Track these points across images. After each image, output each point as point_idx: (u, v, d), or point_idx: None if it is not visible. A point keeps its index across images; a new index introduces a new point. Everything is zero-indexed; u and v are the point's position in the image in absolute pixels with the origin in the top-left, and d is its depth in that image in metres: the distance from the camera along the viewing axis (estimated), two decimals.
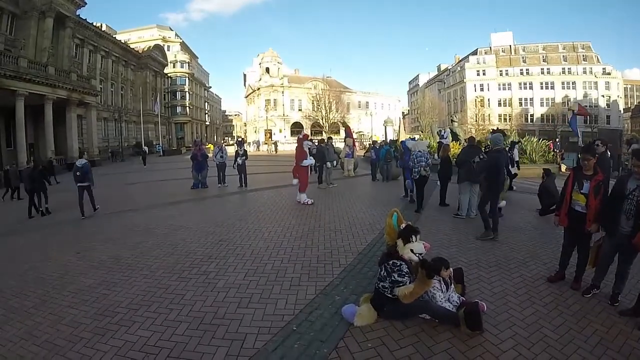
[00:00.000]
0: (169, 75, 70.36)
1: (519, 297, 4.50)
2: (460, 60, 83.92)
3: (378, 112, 73.37)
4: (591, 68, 68.02)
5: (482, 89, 73.54)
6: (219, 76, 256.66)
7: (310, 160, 11.10)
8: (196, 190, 14.46)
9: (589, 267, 4.65)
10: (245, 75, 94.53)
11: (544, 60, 71.56)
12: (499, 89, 73.01)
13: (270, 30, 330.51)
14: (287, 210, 10.06)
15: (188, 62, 76.30)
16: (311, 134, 48.19)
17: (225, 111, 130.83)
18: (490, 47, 77.39)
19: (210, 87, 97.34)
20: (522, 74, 72.18)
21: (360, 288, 4.78)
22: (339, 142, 27.21)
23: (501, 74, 73.36)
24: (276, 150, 49.32)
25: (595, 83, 67.19)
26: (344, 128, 29.82)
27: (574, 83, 68.08)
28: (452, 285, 4.15)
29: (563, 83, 68.75)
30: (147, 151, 43.96)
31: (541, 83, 70.15)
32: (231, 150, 19.33)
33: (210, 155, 17.37)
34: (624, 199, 4.09)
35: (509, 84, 72.35)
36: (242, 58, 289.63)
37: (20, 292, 5.21)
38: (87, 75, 37.16)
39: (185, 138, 71.72)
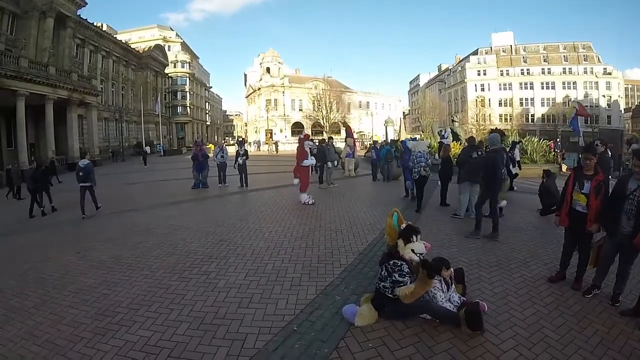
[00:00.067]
0: (169, 75, 70.44)
1: (520, 297, 4.49)
2: (460, 60, 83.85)
3: (379, 112, 73.32)
4: (592, 68, 67.93)
5: (482, 89, 73.46)
6: (220, 76, 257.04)
7: (311, 161, 11.09)
8: (197, 190, 14.46)
9: (590, 267, 4.65)
10: (245, 75, 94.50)
11: (544, 60, 71.48)
12: (500, 89, 72.92)
13: (270, 30, 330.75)
14: (288, 210, 10.06)
15: (189, 62, 76.39)
16: (312, 134, 48.13)
17: (226, 111, 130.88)
18: (491, 47, 77.32)
19: (211, 87, 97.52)
20: (522, 74, 72.10)
21: (361, 288, 4.77)
22: (339, 142, 27.22)
23: (502, 74, 73.28)
24: (277, 150, 49.27)
25: (596, 83, 67.08)
26: (344, 128, 29.89)
27: (574, 83, 67.98)
28: (453, 286, 4.15)
29: (564, 83, 68.65)
30: (149, 151, 44.09)
31: (542, 83, 70.05)
32: (232, 150, 19.33)
33: (210, 155, 17.38)
34: (625, 199, 4.08)
35: (510, 84, 72.27)
36: (242, 58, 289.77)
37: (20, 292, 5.21)
38: (88, 75, 37.20)
39: (186, 138, 71.82)
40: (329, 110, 63.27)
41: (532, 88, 70.66)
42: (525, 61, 72.78)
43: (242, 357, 3.42)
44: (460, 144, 17.75)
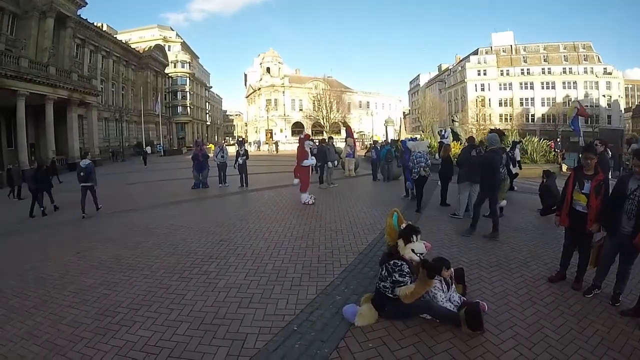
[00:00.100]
0: (169, 75, 70.45)
1: (520, 297, 4.49)
2: (461, 60, 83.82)
3: (379, 112, 73.35)
4: (592, 68, 67.91)
5: (482, 89, 73.44)
6: (220, 76, 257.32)
7: (311, 161, 11.09)
8: (197, 190, 14.47)
9: (590, 267, 4.65)
10: (246, 75, 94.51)
11: (544, 60, 71.46)
12: (500, 88, 72.90)
13: (270, 30, 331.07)
14: (288, 210, 10.06)
15: (189, 62, 76.40)
16: (312, 133, 48.16)
17: (226, 111, 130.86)
18: (491, 47, 77.28)
19: (211, 87, 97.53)
20: (523, 73, 72.08)
21: (361, 288, 4.77)
22: (339, 142, 27.21)
23: (502, 74, 73.25)
24: (277, 150, 49.30)
25: (596, 83, 67.06)
26: (344, 128, 29.91)
27: (575, 83, 67.95)
28: (453, 285, 4.15)
29: (564, 83, 68.62)
30: (150, 151, 44.12)
31: (542, 83, 70.02)
32: (232, 150, 19.33)
33: (211, 155, 17.38)
34: (625, 199, 4.08)
35: (510, 84, 72.25)
36: (242, 58, 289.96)
37: (20, 292, 5.21)
38: (88, 75, 37.18)
39: (186, 138, 71.86)
40: (329, 110, 63.26)
41: (532, 88, 70.65)
42: (525, 61, 72.76)
43: (242, 357, 3.42)
44: (460, 144, 17.75)
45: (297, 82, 74.52)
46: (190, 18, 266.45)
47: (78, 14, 36.19)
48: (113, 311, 4.43)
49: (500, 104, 72.41)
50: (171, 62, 69.73)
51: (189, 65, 76.28)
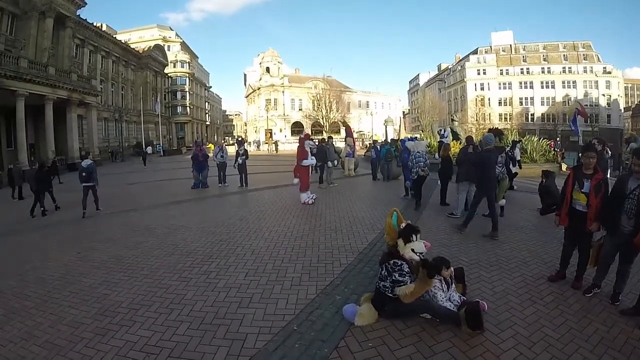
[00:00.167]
0: (169, 75, 70.40)
1: (520, 296, 4.49)
2: (460, 60, 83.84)
3: (378, 112, 73.37)
4: (592, 67, 67.91)
5: (482, 88, 73.42)
6: (220, 76, 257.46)
7: (311, 160, 11.08)
8: (197, 190, 14.46)
9: (590, 267, 4.64)
10: (245, 75, 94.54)
11: (544, 60, 71.46)
12: (500, 88, 72.90)
13: (270, 30, 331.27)
14: (288, 209, 10.06)
15: (188, 62, 76.36)
16: (311, 133, 48.13)
17: (225, 111, 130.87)
18: (491, 47, 77.28)
19: (211, 86, 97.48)
20: (522, 73, 72.09)
21: (361, 288, 4.78)
22: (339, 142, 27.20)
23: (502, 73, 73.25)
24: (276, 149, 49.31)
25: (596, 82, 67.06)
26: (344, 127, 29.92)
27: (574, 82, 67.96)
28: (453, 285, 4.15)
29: (563, 82, 68.62)
30: (150, 151, 44.12)
31: (542, 82, 70.02)
32: (231, 150, 19.33)
33: (210, 155, 17.37)
34: (625, 198, 4.08)
35: (510, 83, 72.25)
36: (242, 58, 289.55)
37: (20, 292, 5.21)
38: (88, 76, 37.17)
39: (186, 138, 71.82)
40: (328, 110, 63.25)
41: (531, 87, 70.66)
42: (525, 60, 72.76)
43: (242, 357, 3.42)
44: (460, 143, 17.75)
45: (296, 82, 74.56)
46: (189, 18, 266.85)
47: (77, 14, 36.16)
48: (113, 311, 4.43)
49: (499, 104, 72.42)
50: (171, 62, 69.69)
51: (189, 65, 76.24)
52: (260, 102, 73.19)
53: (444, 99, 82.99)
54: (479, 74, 74.48)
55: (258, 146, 59.75)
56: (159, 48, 63.14)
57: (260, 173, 19.73)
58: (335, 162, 15.78)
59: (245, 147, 16.18)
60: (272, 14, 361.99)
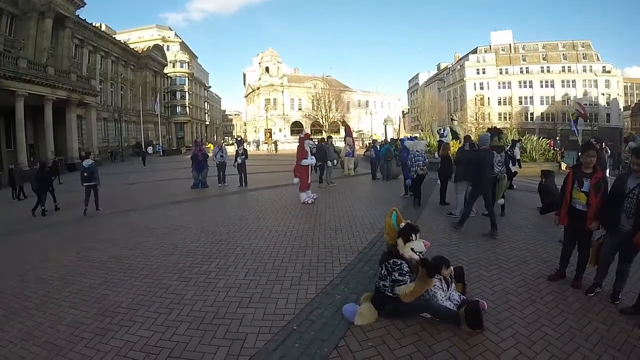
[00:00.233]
0: (168, 75, 70.32)
1: (520, 295, 4.49)
2: (460, 59, 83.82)
3: (378, 111, 73.32)
4: (591, 66, 67.88)
5: (482, 88, 73.39)
6: (219, 76, 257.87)
7: (310, 160, 11.08)
8: (196, 190, 14.46)
9: (590, 266, 4.64)
10: (244, 75, 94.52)
11: (543, 59, 71.45)
12: (499, 87, 72.87)
13: (269, 30, 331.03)
14: (287, 209, 10.06)
15: (188, 62, 76.28)
16: (311, 133, 48.14)
17: (225, 111, 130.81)
18: (490, 46, 77.25)
19: (210, 86, 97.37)
20: (522, 72, 72.06)
21: (361, 287, 4.78)
22: (339, 141, 27.19)
23: (501, 73, 73.23)
24: (276, 149, 49.30)
25: (595, 81, 67.05)
26: (343, 127, 29.92)
27: (573, 81, 67.94)
28: (453, 284, 4.15)
29: (563, 81, 68.59)
30: (151, 151, 44.08)
31: (541, 81, 69.99)
32: (231, 149, 19.32)
33: (210, 155, 17.37)
34: (624, 197, 4.08)
35: (509, 83, 72.23)
36: (241, 58, 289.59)
37: (20, 292, 5.21)
38: (87, 76, 37.09)
39: (185, 138, 71.75)
40: (328, 110, 63.27)
41: (531, 86, 70.60)
42: (524, 59, 72.75)
43: (242, 357, 3.42)
44: (459, 143, 17.76)
45: (296, 82, 74.54)
46: (189, 18, 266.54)
47: (76, 14, 36.13)
48: (113, 311, 4.43)
49: (499, 103, 72.38)
50: (170, 62, 69.60)
51: (188, 65, 76.17)
52: (260, 101, 73.21)
53: (443, 99, 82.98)
54: (478, 73, 74.45)
55: (257, 146, 59.76)
56: (158, 48, 63.05)
57: (259, 173, 19.73)
58: (335, 161, 15.78)
59: (245, 147, 16.18)
60: (271, 14, 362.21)
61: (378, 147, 17.21)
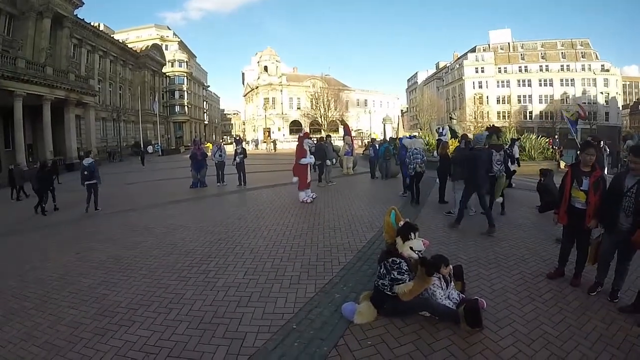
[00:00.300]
0: (167, 74, 70.25)
1: (519, 294, 4.50)
2: (458, 58, 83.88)
3: (377, 110, 73.21)
4: (590, 65, 67.97)
5: (480, 86, 73.50)
6: (218, 75, 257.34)
7: (309, 159, 11.08)
8: (195, 189, 14.45)
9: (589, 264, 4.64)
10: (243, 74, 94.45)
11: (542, 57, 71.53)
12: (498, 86, 72.95)
13: (268, 29, 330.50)
14: (286, 208, 10.05)
15: (186, 61, 76.16)
16: (310, 132, 48.12)
17: (223, 110, 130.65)
18: (489, 45, 77.31)
19: (209, 86, 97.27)
20: (520, 71, 72.19)
21: (360, 286, 4.77)
22: (337, 140, 27.18)
23: (500, 71, 73.33)
24: (275, 148, 49.29)
25: (594, 80, 67.15)
26: (342, 126, 29.93)
27: (572, 80, 68.03)
28: (452, 283, 4.15)
29: (562, 80, 68.69)
30: (151, 150, 44.02)
31: (540, 80, 70.08)
32: (230, 149, 19.31)
33: (209, 154, 17.36)
34: (622, 195, 4.08)
35: (508, 81, 72.32)
36: (240, 57, 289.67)
37: (20, 292, 5.21)
38: (85, 75, 37.02)
39: (184, 137, 71.69)
40: (327, 109, 63.22)
41: (530, 85, 70.71)
42: (523, 58, 72.86)
43: (241, 356, 3.42)
44: (458, 142, 17.75)
45: (294, 81, 74.48)
46: (187, 17, 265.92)
47: (75, 14, 36.08)
48: (112, 311, 4.43)
49: (498, 101, 72.47)
50: (168, 62, 69.52)
51: (187, 65, 76.05)
52: (259, 101, 73.16)
53: (442, 97, 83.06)
54: (477, 72, 74.54)
55: (256, 145, 59.73)
56: (156, 47, 62.98)
57: (258, 172, 19.71)
58: (334, 160, 15.78)
59: (244, 146, 16.18)
60: (270, 13, 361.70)
61: (377, 146, 17.23)
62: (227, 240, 7.11)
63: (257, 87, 74.34)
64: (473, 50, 78.45)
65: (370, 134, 54.19)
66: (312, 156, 11.40)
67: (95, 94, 36.03)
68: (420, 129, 50.78)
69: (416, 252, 4.04)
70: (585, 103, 55.50)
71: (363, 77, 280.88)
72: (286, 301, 4.46)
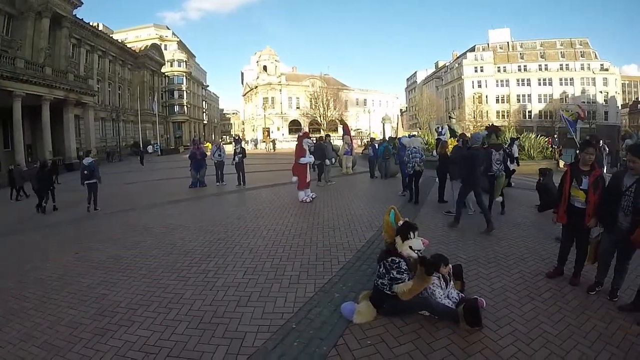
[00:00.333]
0: (166, 74, 70.15)
1: (518, 293, 4.50)
2: (458, 57, 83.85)
3: (376, 110, 73.13)
4: (589, 64, 67.99)
5: (479, 86, 73.52)
6: (217, 75, 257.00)
7: (308, 159, 11.08)
8: (194, 189, 14.44)
9: (588, 263, 4.64)
10: (242, 74, 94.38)
11: (541, 57, 71.55)
12: (497, 85, 72.96)
13: (267, 29, 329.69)
14: (286, 208, 10.05)
15: (185, 61, 76.06)
16: (309, 131, 48.10)
17: (223, 110, 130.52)
18: (488, 44, 77.33)
19: (208, 85, 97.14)
20: (519, 70, 72.21)
21: (360, 285, 4.77)
22: (337, 140, 27.18)
23: (499, 71, 73.35)
24: (274, 148, 49.27)
25: (593, 79, 67.18)
26: (342, 125, 29.88)
27: (571, 79, 68.07)
28: (452, 282, 4.15)
29: (561, 79, 68.74)
30: (151, 150, 43.99)
31: (539, 79, 70.10)
32: (229, 148, 19.30)
33: (208, 154, 17.35)
34: (621, 195, 4.09)
35: (507, 81, 72.34)
36: (239, 56, 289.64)
37: (19, 293, 5.20)
38: (84, 75, 37.01)
39: (183, 137, 71.64)
40: (326, 108, 63.19)
41: (529, 84, 70.73)
42: (522, 57, 72.89)
43: (241, 356, 3.42)
44: (457, 141, 17.75)
45: (294, 80, 74.42)
46: (186, 17, 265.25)
47: (74, 13, 36.04)
48: (112, 311, 4.42)
49: (497, 101, 72.50)
50: (168, 61, 69.41)
51: (186, 64, 75.95)
52: (258, 100, 73.10)
53: (441, 97, 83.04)
54: (476, 71, 74.55)
55: (256, 145, 59.69)
56: (155, 47, 62.90)
57: (258, 172, 19.71)
58: (333, 160, 15.78)
59: (243, 146, 16.18)
60: (269, 13, 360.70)
61: (376, 145, 17.23)
62: (227, 240, 7.11)
63: (256, 87, 74.30)
64: (472, 49, 78.44)
65: (370, 133, 54.21)
66: (311, 156, 11.39)
67: (94, 94, 36.01)
68: (420, 129, 50.83)
69: (415, 251, 4.04)
70: (584, 102, 55.64)
71: (362, 77, 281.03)
72: (285, 301, 4.46)
